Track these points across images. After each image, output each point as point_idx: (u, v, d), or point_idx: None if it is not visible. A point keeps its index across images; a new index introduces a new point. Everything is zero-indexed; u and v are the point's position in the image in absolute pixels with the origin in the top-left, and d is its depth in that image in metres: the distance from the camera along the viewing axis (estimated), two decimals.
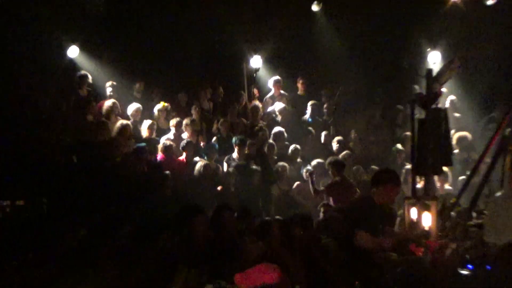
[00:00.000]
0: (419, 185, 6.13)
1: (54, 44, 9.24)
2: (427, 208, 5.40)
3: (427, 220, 5.36)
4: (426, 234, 5.28)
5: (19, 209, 6.51)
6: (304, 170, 8.79)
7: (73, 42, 9.44)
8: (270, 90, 10.55)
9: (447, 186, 8.07)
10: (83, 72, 9.13)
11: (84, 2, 9.20)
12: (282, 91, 10.42)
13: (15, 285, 3.89)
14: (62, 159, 7.75)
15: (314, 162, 8.71)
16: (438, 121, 5.93)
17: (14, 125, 7.70)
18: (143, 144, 8.19)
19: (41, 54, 8.81)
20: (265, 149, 9.00)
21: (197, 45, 10.37)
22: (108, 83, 9.34)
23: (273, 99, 10.36)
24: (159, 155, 8.30)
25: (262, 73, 10.84)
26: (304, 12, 10.62)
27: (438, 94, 6.14)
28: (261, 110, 10.04)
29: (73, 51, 9.47)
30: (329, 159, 8.82)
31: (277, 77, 10.43)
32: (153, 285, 3.98)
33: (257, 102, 10.20)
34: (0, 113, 7.66)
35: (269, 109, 10.21)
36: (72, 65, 9.42)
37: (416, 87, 9.58)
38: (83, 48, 9.54)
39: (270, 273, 3.84)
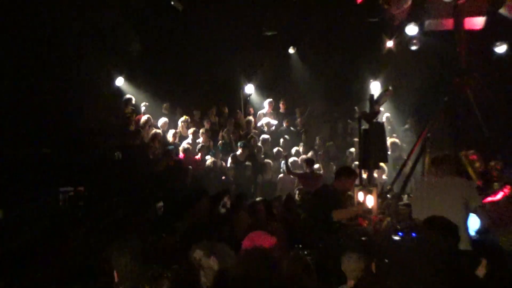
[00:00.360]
0: (364, 176, 6.13)
1: (106, 77, 9.23)
2: (370, 192, 5.38)
3: (370, 201, 5.35)
4: (369, 211, 5.27)
5: (79, 193, 6.46)
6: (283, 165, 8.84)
7: (120, 74, 9.44)
8: (262, 108, 10.49)
9: (384, 177, 8.08)
10: (128, 95, 9.11)
11: (127, 47, 9.20)
12: (272, 110, 10.38)
13: (78, 248, 3.83)
14: (111, 157, 7.70)
15: (291, 159, 8.70)
16: (377, 131, 5.95)
17: (77, 133, 7.66)
18: (172, 146, 8.17)
19: (97, 83, 8.81)
20: (255, 150, 9.01)
21: (207, 77, 10.33)
22: (142, 104, 9.32)
23: (265, 114, 10.30)
24: (180, 155, 8.25)
25: (254, 96, 10.83)
26: (283, 53, 10.61)
27: (377, 112, 6.16)
28: (253, 123, 10.03)
29: (119, 81, 9.46)
30: (301, 157, 8.85)
31: (271, 99, 10.38)
32: (178, 250, 3.89)
33: (251, 117, 10.16)
34: (67, 123, 7.62)
35: (259, 123, 10.17)
36: (119, 91, 9.40)
37: (356, 108, 9.70)
38: (126, 79, 9.53)
39: (268, 239, 3.76)
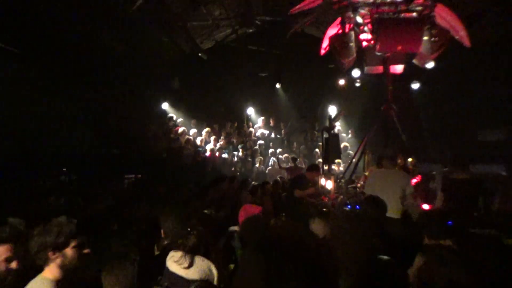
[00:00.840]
0: (326, 168, 6.16)
1: (156, 102, 9.27)
2: (329, 178, 5.41)
3: (329, 184, 5.37)
4: (328, 191, 5.29)
5: (138, 179, 6.47)
6: (272, 161, 8.83)
7: (165, 101, 9.45)
8: (257, 123, 10.47)
9: (341, 168, 8.09)
10: (170, 114, 9.15)
11: (170, 84, 9.26)
12: (264, 124, 10.35)
13: (138, 215, 3.80)
14: (159, 154, 7.72)
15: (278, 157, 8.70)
16: (334, 138, 6.00)
17: (137, 139, 7.68)
18: (201, 148, 8.20)
19: (149, 107, 8.86)
20: (252, 151, 9.01)
21: (223, 102, 10.36)
22: (179, 120, 9.32)
23: (260, 127, 10.26)
24: (208, 153, 8.24)
25: (253, 115, 10.80)
26: (272, 87, 10.62)
27: (334, 127, 6.21)
28: (253, 133, 10.02)
29: (165, 105, 9.46)
30: (285, 155, 8.85)
31: (263, 117, 10.38)
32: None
33: (251, 129, 10.15)
34: (130, 133, 7.64)
35: (257, 133, 10.14)
36: (165, 112, 9.42)
37: (316, 124, 9.78)
38: (170, 104, 9.55)
39: (255, 209, 3.76)
